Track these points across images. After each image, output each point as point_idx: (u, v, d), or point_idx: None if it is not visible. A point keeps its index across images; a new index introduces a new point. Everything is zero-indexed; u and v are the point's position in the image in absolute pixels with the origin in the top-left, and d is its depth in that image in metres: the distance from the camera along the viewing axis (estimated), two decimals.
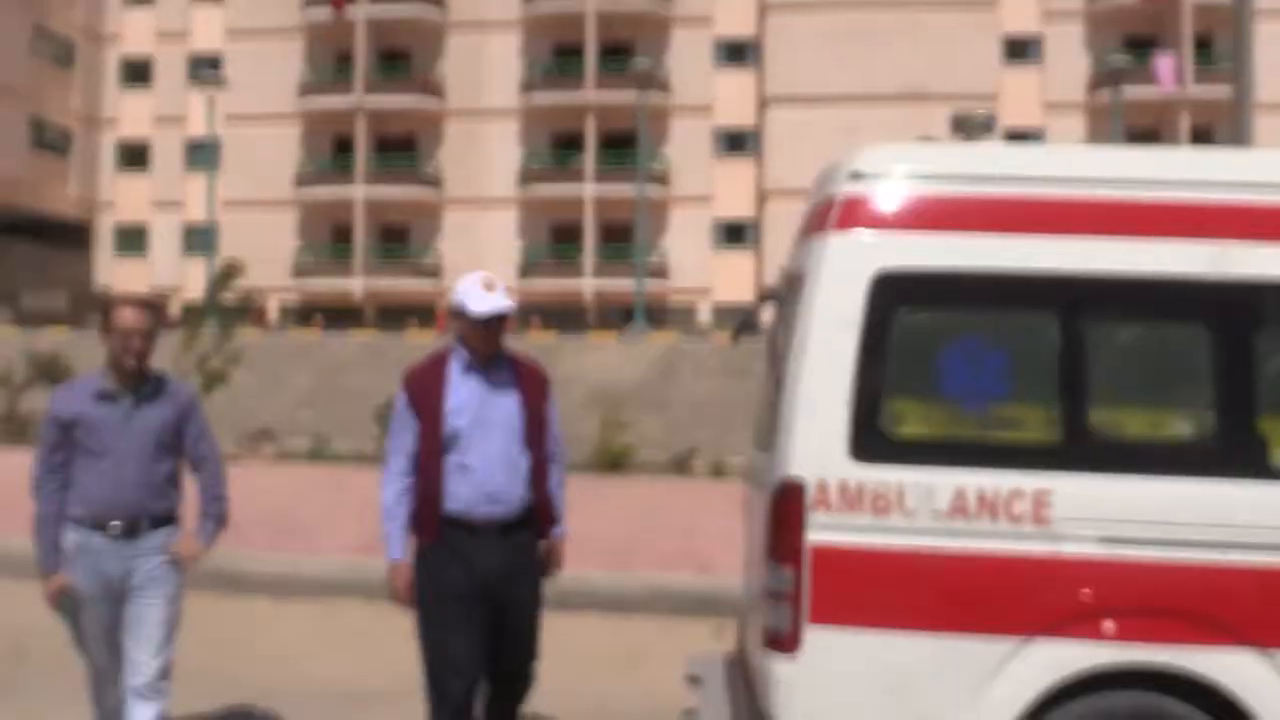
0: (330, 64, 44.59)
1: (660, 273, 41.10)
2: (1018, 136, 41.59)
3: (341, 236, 44.05)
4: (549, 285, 41.94)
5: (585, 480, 15.62)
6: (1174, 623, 3.22)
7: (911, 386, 3.44)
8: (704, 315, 41.44)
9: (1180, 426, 3.43)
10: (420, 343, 22.99)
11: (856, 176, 3.52)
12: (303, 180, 43.89)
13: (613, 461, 15.47)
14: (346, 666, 6.22)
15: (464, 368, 3.89)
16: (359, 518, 10.37)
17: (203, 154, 38.10)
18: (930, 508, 3.28)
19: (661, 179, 41.87)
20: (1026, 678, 3.25)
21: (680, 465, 16.80)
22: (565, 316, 41.16)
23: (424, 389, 3.89)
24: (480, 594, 3.89)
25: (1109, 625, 3.23)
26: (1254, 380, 3.32)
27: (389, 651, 6.52)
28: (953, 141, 3.65)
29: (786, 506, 3.35)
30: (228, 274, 17.55)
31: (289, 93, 43.93)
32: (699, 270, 42.20)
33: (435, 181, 43.69)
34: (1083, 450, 3.30)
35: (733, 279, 41.16)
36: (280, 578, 8.01)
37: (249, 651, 6.48)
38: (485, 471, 3.86)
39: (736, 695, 3.97)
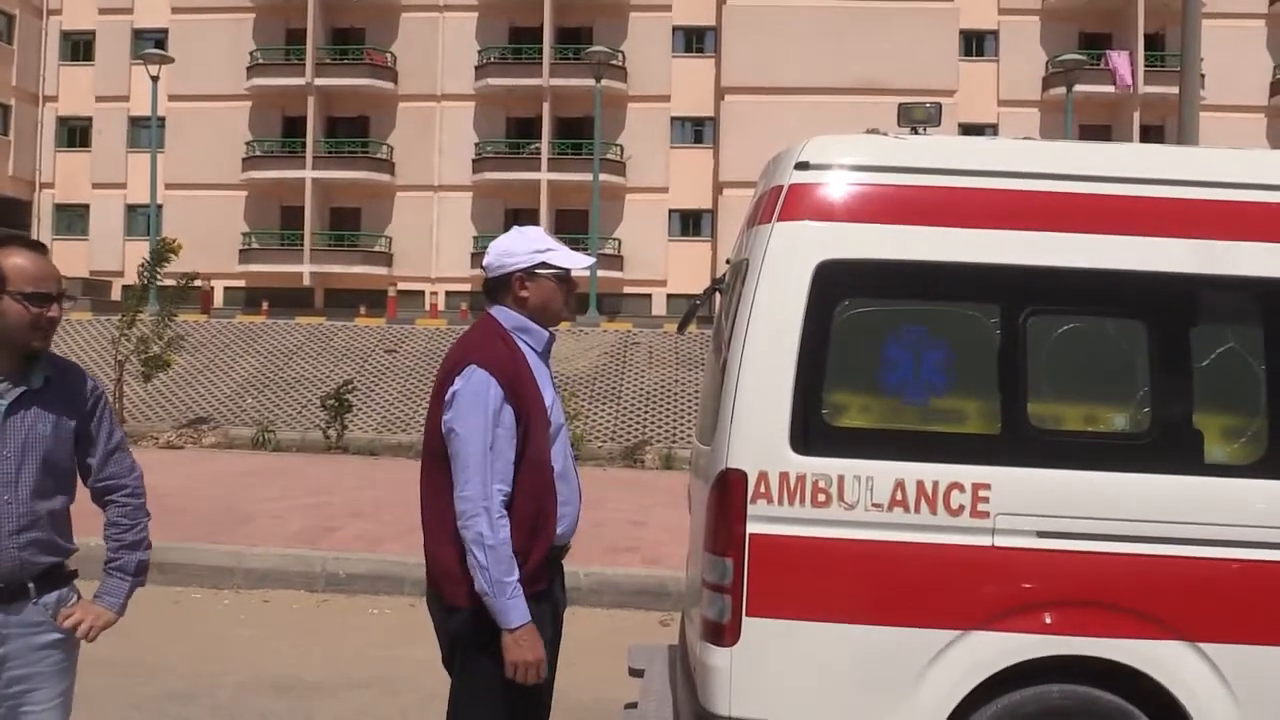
0: (280, 42, 43.81)
1: (615, 263, 41.00)
2: (974, 131, 41.95)
3: (290, 220, 43.36)
4: None
5: None
6: (1108, 615, 3.24)
7: (853, 378, 3.42)
8: (659, 306, 41.43)
9: (1117, 421, 3.45)
10: (370, 328, 22.74)
11: (802, 167, 3.50)
12: (250, 162, 43.13)
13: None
14: (288, 657, 6.14)
15: (539, 349, 3.07)
16: (303, 508, 10.28)
17: (146, 133, 37.26)
18: (869, 499, 3.27)
19: (618, 168, 41.74)
20: (963, 669, 3.25)
21: (631, 455, 16.80)
22: None
23: (521, 378, 2.93)
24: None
25: (1045, 618, 3.24)
26: (1189, 375, 3.35)
27: (330, 642, 6.48)
28: (899, 133, 3.62)
29: (726, 497, 3.33)
30: (161, 253, 17.11)
31: (237, 71, 43.08)
32: (655, 260, 42.15)
33: (388, 165, 43.18)
34: (1021, 443, 3.30)
35: (689, 270, 41.12)
36: (218, 569, 7.88)
37: (186, 642, 6.36)
38: (577, 479, 3.11)
39: (677, 688, 3.94)
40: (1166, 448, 3.29)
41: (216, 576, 7.84)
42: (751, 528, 3.29)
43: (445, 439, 2.91)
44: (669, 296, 41.39)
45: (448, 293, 41.94)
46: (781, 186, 3.52)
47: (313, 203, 42.73)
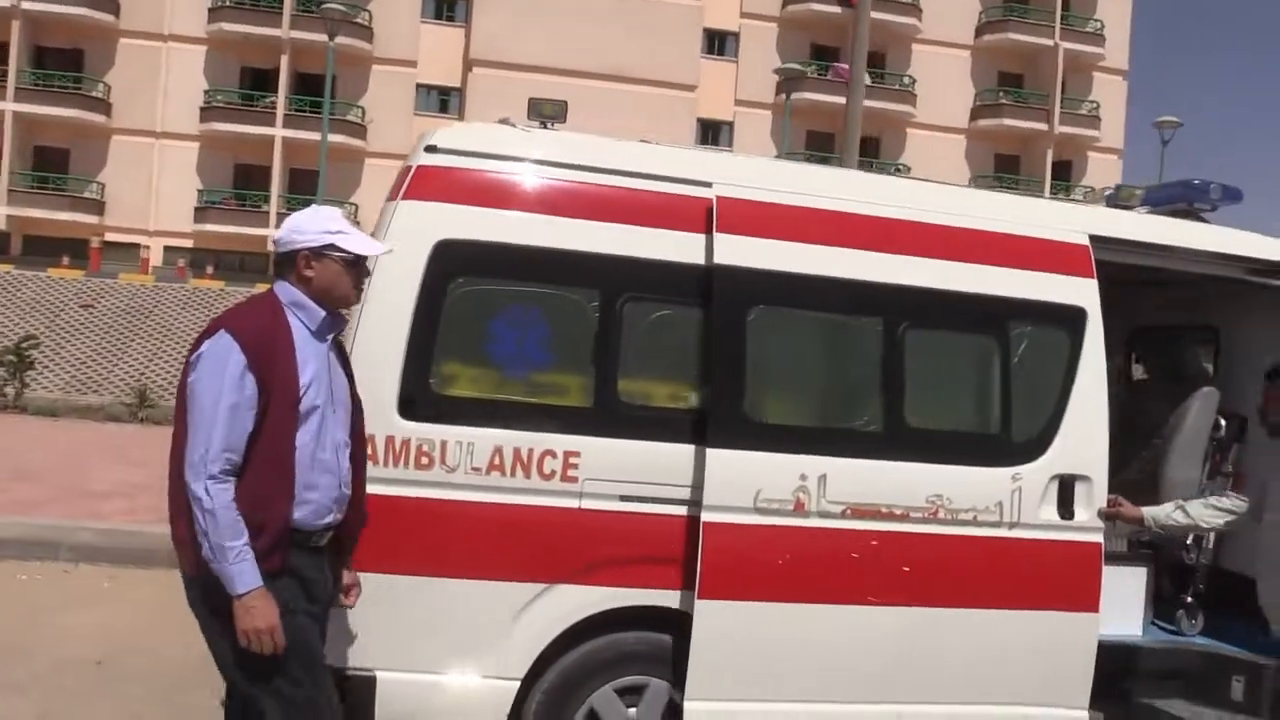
0: None
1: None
2: (711, 127, 43.88)
3: None
4: (228, 231, 39.53)
5: None
6: (680, 571, 3.67)
7: (462, 351, 3.68)
8: None
9: (692, 398, 3.85)
10: (66, 279, 21.06)
11: (431, 150, 3.73)
12: None
13: None
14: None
15: (313, 328, 2.99)
16: None
17: None
18: (469, 463, 3.54)
19: (358, 130, 40.49)
20: (550, 619, 3.60)
21: None
22: (245, 265, 39.01)
23: (276, 351, 2.88)
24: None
25: (624, 574, 3.64)
26: (740, 360, 3.73)
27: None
28: (529, 125, 3.90)
29: None
30: None
31: None
32: None
33: (103, 104, 39.80)
34: (609, 416, 3.67)
35: None
36: None
37: None
38: (339, 469, 3.01)
39: None
40: (699, 422, 3.68)
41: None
42: None
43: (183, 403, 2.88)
44: None
45: (166, 247, 39.31)
46: (411, 167, 3.73)
47: (13, 138, 38.79)
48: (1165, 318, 5.48)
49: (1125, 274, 4.83)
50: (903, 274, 3.89)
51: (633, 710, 3.72)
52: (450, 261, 3.59)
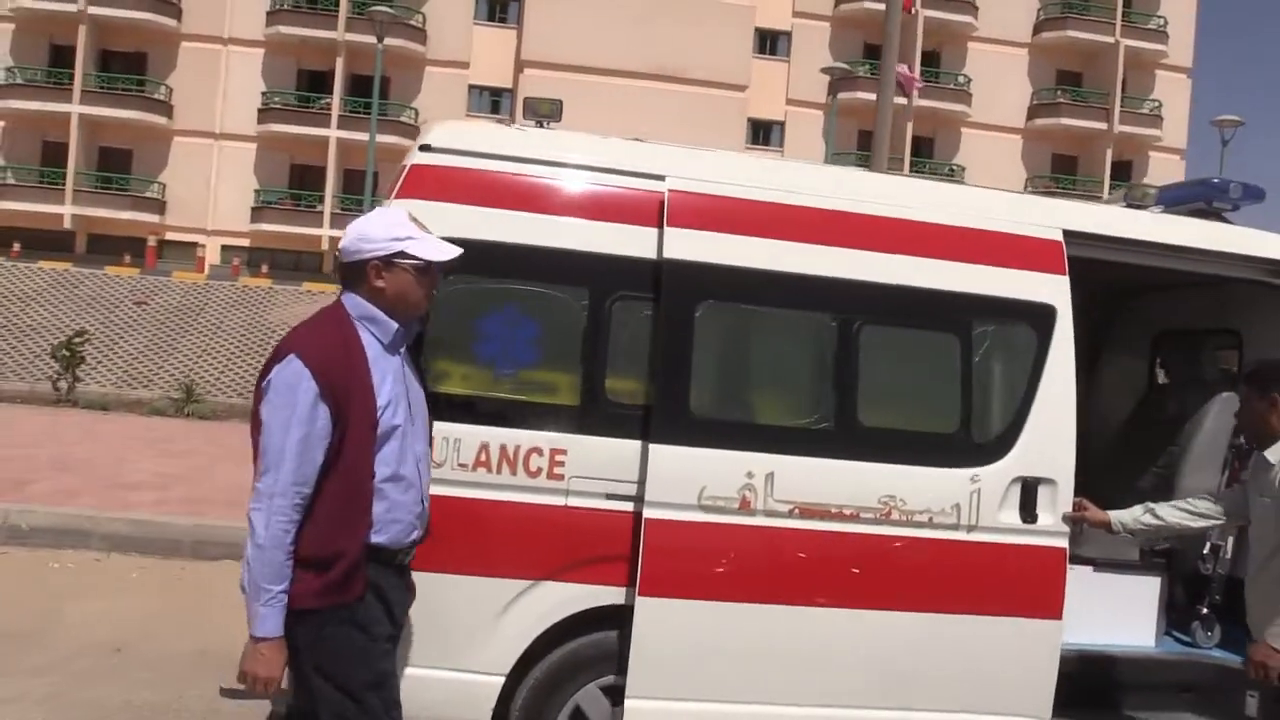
0: None
1: None
2: (763, 127, 43.69)
3: (53, 157, 40.27)
4: (285, 230, 40.21)
5: None
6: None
7: (452, 349, 3.70)
8: None
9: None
10: (122, 277, 21.58)
11: (425, 149, 3.76)
12: (8, 90, 39.74)
13: None
14: None
15: (385, 342, 2.79)
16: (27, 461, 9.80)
17: None
18: (456, 459, 3.56)
19: (412, 132, 40.94)
20: (534, 616, 3.61)
21: None
22: (300, 265, 39.64)
23: (351, 373, 2.69)
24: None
25: (609, 572, 3.63)
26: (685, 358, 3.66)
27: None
28: (525, 125, 3.91)
29: None
30: None
31: None
32: None
33: (165, 107, 40.73)
34: (597, 415, 3.67)
35: None
36: None
37: None
38: (420, 482, 2.89)
39: None
40: (652, 416, 3.63)
41: None
42: None
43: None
44: None
45: (223, 246, 40.09)
46: (405, 166, 3.76)
47: (79, 140, 39.84)
48: (1189, 321, 5.35)
49: (1148, 277, 4.71)
50: (858, 269, 3.80)
51: (619, 709, 3.71)
52: None
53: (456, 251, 2.90)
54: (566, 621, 3.62)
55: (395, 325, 2.80)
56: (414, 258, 2.78)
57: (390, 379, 2.76)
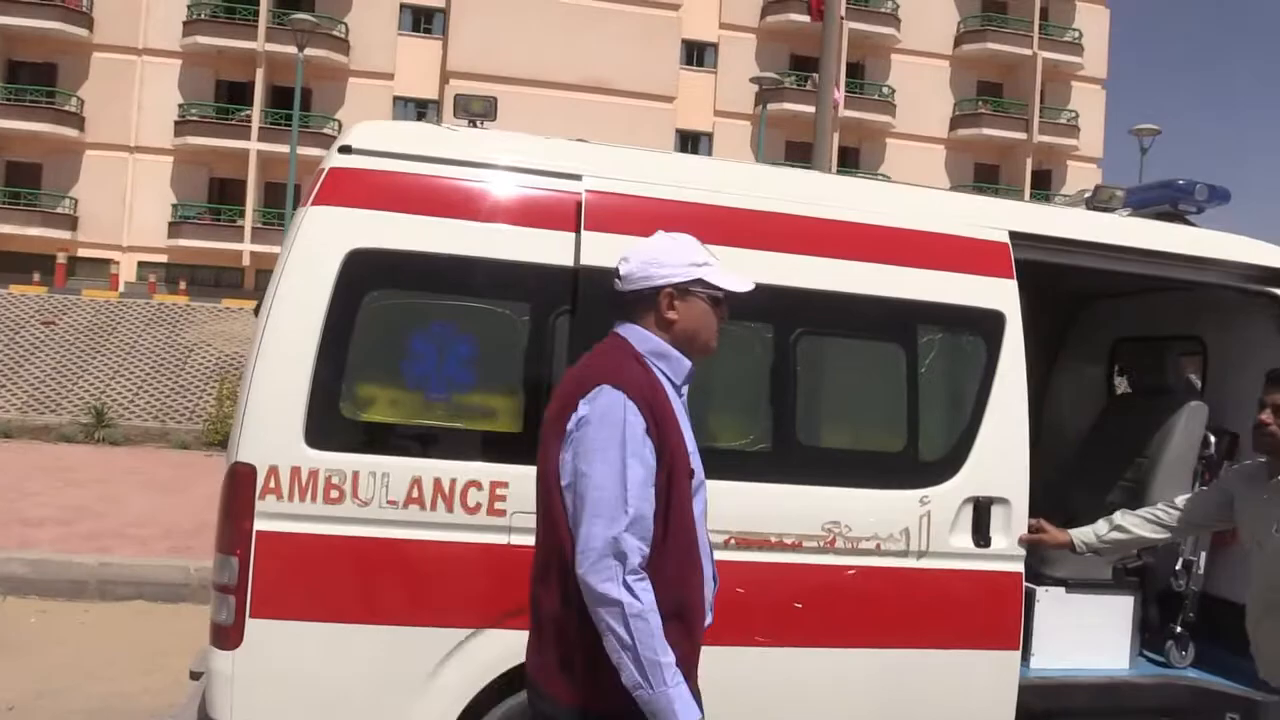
0: None
1: None
2: (691, 138, 43.67)
3: None
4: (205, 246, 39.01)
5: (193, 457, 14.70)
6: None
7: (377, 372, 3.33)
8: None
9: None
10: (27, 296, 20.58)
11: (345, 150, 3.39)
12: None
13: (225, 439, 14.60)
14: None
15: (677, 382, 2.39)
16: None
17: None
18: (385, 496, 3.19)
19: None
20: (476, 667, 3.24)
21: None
22: (220, 281, 38.48)
23: (664, 410, 2.28)
24: None
25: None
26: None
27: None
28: (455, 124, 3.56)
29: (234, 493, 3.16)
30: None
31: None
32: None
33: (76, 119, 39.27)
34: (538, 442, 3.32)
35: None
36: None
37: None
38: (712, 558, 2.45)
39: None
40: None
41: None
42: (259, 525, 3.13)
43: (562, 488, 2.24)
44: None
45: (140, 263, 38.75)
46: (323, 169, 3.39)
47: None
48: (1149, 328, 5.19)
49: (1103, 281, 4.53)
50: (792, 275, 3.51)
51: None
52: (363, 272, 3.24)
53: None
54: (512, 673, 3.26)
55: (689, 363, 2.39)
56: (713, 287, 2.38)
57: (688, 424, 2.36)
